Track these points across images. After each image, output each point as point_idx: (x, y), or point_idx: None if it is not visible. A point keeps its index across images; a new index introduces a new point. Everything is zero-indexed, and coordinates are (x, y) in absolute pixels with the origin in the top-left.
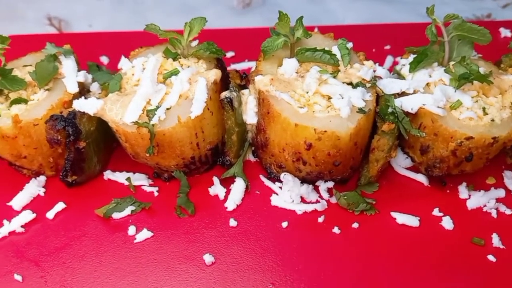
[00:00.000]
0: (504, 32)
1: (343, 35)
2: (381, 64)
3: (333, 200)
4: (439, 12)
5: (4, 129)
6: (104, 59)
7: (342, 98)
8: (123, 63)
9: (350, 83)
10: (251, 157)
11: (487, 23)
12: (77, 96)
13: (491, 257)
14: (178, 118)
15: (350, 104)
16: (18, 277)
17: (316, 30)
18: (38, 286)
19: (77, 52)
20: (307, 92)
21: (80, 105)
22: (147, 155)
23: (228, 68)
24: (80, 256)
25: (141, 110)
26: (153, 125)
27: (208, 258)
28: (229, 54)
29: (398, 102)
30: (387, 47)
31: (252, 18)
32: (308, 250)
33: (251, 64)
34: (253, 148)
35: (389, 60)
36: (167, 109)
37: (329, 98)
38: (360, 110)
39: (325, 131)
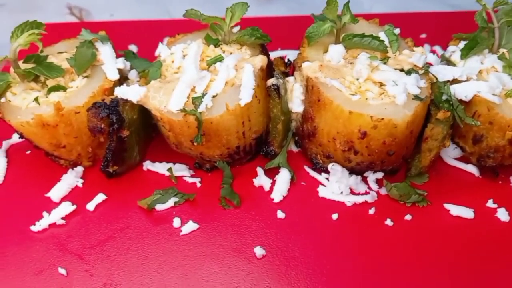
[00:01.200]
0: None
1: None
2: None
3: (382, 191)
4: (466, 2)
5: (45, 117)
6: (133, 48)
7: (396, 85)
8: (162, 50)
9: (401, 70)
10: (293, 147)
11: None
12: (116, 83)
13: None
14: (226, 105)
15: (406, 91)
16: (62, 271)
17: None
18: (83, 280)
19: None
20: (357, 79)
21: (122, 92)
22: (194, 144)
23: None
24: (125, 249)
25: (186, 98)
26: (200, 113)
27: (259, 251)
28: None
29: (451, 89)
30: (423, 35)
31: (275, 8)
32: (361, 243)
33: (284, 53)
34: (296, 138)
35: (426, 48)
36: (213, 96)
37: (381, 85)
38: (416, 97)
39: (382, 119)
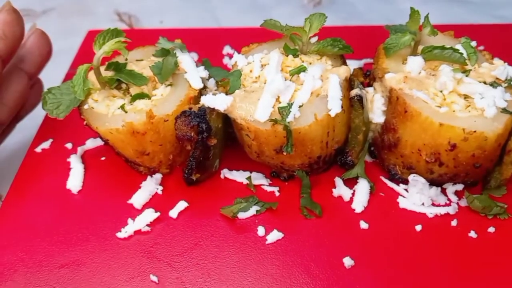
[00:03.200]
0: None
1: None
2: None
3: (462, 203)
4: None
5: (135, 125)
6: (194, 56)
7: (483, 97)
8: (238, 59)
9: (484, 83)
10: (367, 158)
11: None
12: (199, 92)
13: None
14: (315, 115)
15: (495, 104)
16: (154, 278)
17: None
18: (176, 287)
19: None
20: (441, 91)
21: (209, 101)
22: (284, 153)
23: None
24: (212, 256)
25: (271, 107)
26: (289, 122)
27: (347, 262)
28: None
29: None
30: (481, 47)
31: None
32: (447, 255)
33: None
34: (371, 148)
35: (481, 60)
36: (300, 106)
37: (465, 97)
38: (505, 110)
39: (474, 132)
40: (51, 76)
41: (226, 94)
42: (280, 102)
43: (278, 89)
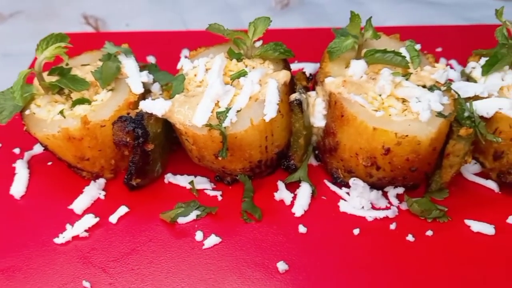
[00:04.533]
0: None
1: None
2: None
3: (403, 206)
4: (481, 15)
5: (71, 130)
6: (151, 59)
7: (419, 101)
8: (184, 63)
9: (423, 86)
10: (313, 161)
11: None
12: (140, 97)
13: None
14: (250, 120)
15: (430, 108)
16: (86, 284)
17: None
18: None
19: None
20: (380, 95)
21: (147, 106)
22: (219, 158)
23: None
24: (148, 262)
25: (210, 112)
26: (225, 127)
27: (281, 266)
28: None
29: (472, 106)
30: (439, 49)
31: (291, 18)
32: (384, 258)
33: (301, 66)
34: (316, 152)
35: (441, 62)
36: (238, 111)
37: (403, 101)
38: (440, 114)
39: (406, 136)
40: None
41: (170, 99)
42: (220, 107)
43: (216, 94)
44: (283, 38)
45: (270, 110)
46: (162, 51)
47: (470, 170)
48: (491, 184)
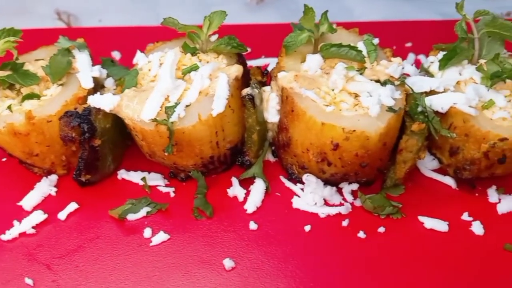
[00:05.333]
0: None
1: (363, 32)
2: None
3: (357, 203)
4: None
5: (16, 126)
6: (116, 54)
7: (371, 96)
8: (139, 58)
9: (377, 81)
10: (270, 157)
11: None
12: (91, 92)
13: None
14: (198, 115)
15: (380, 103)
16: (29, 281)
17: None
18: None
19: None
20: (333, 90)
21: (95, 101)
22: (165, 154)
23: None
24: (93, 259)
25: (159, 107)
26: (172, 122)
27: (228, 263)
28: None
29: (427, 100)
30: (408, 44)
31: (266, 14)
32: (332, 255)
33: (267, 61)
34: (273, 147)
35: (410, 57)
36: (187, 106)
37: (356, 96)
38: (390, 109)
39: (354, 131)
40: None
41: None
42: (170, 102)
43: (166, 88)
44: (252, 33)
45: (218, 105)
46: (129, 47)
47: (429, 166)
48: (449, 181)
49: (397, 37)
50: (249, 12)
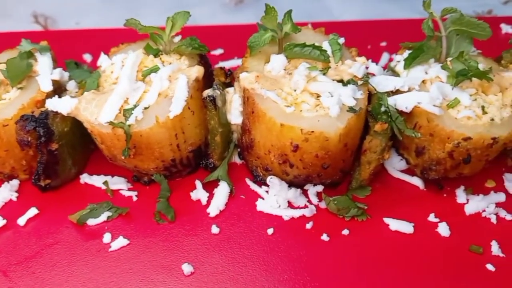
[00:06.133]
0: (505, 28)
1: (337, 32)
2: (376, 61)
3: (323, 205)
4: (439, 8)
5: None
6: (88, 57)
7: (332, 96)
8: (103, 60)
9: (341, 81)
10: (237, 159)
11: (488, 19)
12: (51, 95)
13: (490, 266)
14: (156, 118)
15: (340, 103)
16: None
17: (309, 26)
18: None
19: (61, 49)
20: (295, 90)
21: (53, 104)
22: (122, 157)
23: (216, 66)
24: (51, 265)
25: (117, 110)
26: (129, 125)
27: (186, 268)
28: (218, 52)
29: (392, 100)
30: (383, 43)
31: (245, 14)
32: (295, 259)
33: (240, 62)
34: (239, 149)
35: (385, 57)
36: (145, 108)
37: (318, 96)
38: (351, 109)
39: (312, 132)
40: None
41: None
42: (129, 104)
43: (124, 91)
44: (235, 33)
45: (176, 107)
46: (103, 49)
47: (396, 167)
48: (417, 181)
49: (372, 36)
50: (227, 13)
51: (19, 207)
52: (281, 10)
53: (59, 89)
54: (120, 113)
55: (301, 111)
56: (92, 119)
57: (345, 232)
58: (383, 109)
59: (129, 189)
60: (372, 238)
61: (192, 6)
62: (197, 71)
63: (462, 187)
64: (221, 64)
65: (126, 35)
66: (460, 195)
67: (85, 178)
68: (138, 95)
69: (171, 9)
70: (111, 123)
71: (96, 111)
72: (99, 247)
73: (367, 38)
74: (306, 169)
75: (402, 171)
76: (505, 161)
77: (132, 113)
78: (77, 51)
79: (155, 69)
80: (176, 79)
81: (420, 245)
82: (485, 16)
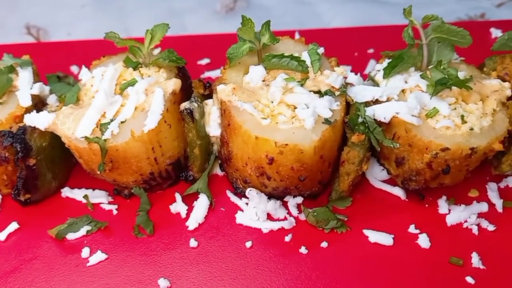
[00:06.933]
0: (495, 33)
1: (325, 39)
2: (363, 69)
3: (302, 217)
4: (430, 12)
5: None
6: (76, 69)
7: (308, 108)
8: (83, 74)
9: (318, 91)
10: (218, 171)
11: (478, 23)
12: (31, 109)
13: (469, 279)
14: (131, 132)
15: (316, 115)
16: None
17: (296, 34)
18: None
19: (51, 61)
20: (272, 102)
21: (30, 119)
22: (98, 172)
23: (203, 76)
24: (29, 281)
25: (94, 124)
26: (105, 140)
27: (163, 283)
28: (205, 61)
29: (370, 110)
30: (370, 50)
31: (236, 22)
32: (272, 272)
33: None
34: (220, 161)
35: (371, 64)
36: (122, 122)
37: (295, 108)
38: (326, 121)
39: (287, 145)
40: None
41: None
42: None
43: (101, 105)
44: (227, 43)
45: (151, 121)
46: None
47: (378, 177)
48: (398, 191)
49: (360, 43)
50: (218, 21)
51: (0, 222)
52: (272, 17)
53: (40, 104)
54: (97, 127)
55: (277, 123)
56: (69, 133)
57: (324, 244)
58: (360, 120)
59: (109, 203)
60: (351, 251)
61: (183, 14)
62: (174, 84)
63: (444, 197)
64: (207, 74)
65: (115, 46)
66: (442, 206)
67: (66, 192)
68: (115, 109)
69: (163, 17)
70: (86, 138)
71: (73, 126)
72: (77, 261)
73: (355, 45)
74: (283, 181)
75: (384, 181)
76: (489, 170)
77: (108, 128)
78: (67, 62)
79: (132, 83)
80: (152, 92)
81: (400, 257)
82: (476, 21)
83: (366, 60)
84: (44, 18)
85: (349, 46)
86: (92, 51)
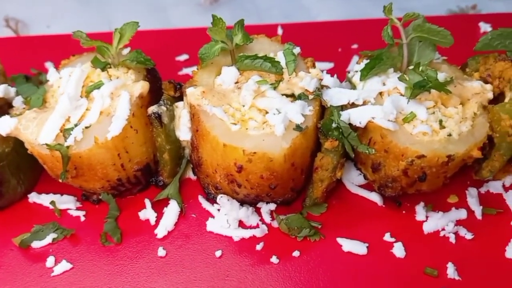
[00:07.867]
0: (484, 27)
1: (308, 34)
2: (346, 66)
3: (275, 224)
4: (420, 4)
5: None
6: (51, 66)
7: (279, 113)
8: (51, 74)
9: (292, 95)
10: (191, 175)
11: (467, 16)
12: None
13: None
14: (95, 138)
15: (286, 120)
16: None
17: (279, 28)
18: None
19: (26, 56)
20: (243, 106)
21: None
22: (60, 180)
23: (180, 72)
24: None
25: (58, 129)
26: (67, 147)
27: None
28: (183, 57)
29: (346, 114)
30: (355, 46)
31: (221, 14)
32: (241, 283)
33: None
34: (192, 166)
35: (354, 61)
36: (86, 127)
37: (266, 112)
38: (297, 127)
39: (255, 153)
40: None
41: None
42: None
43: (65, 109)
44: (196, 37)
45: (115, 127)
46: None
47: (355, 182)
48: (375, 197)
49: (345, 38)
50: (201, 14)
51: None
52: (258, 9)
53: (6, 106)
54: (61, 132)
55: (247, 129)
56: (32, 139)
57: (296, 253)
58: (334, 125)
59: (77, 208)
60: (323, 260)
61: (166, 7)
62: (141, 87)
63: (422, 204)
64: (185, 70)
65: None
66: (420, 212)
67: (33, 197)
68: (80, 114)
69: (144, 10)
70: (47, 145)
71: (37, 131)
72: (41, 271)
73: (340, 40)
74: (253, 189)
75: (361, 185)
76: (470, 174)
77: (71, 134)
78: (43, 58)
79: (98, 85)
80: (118, 96)
81: (373, 267)
82: (465, 14)
83: (350, 56)
84: (25, 10)
85: (333, 41)
86: (70, 47)
